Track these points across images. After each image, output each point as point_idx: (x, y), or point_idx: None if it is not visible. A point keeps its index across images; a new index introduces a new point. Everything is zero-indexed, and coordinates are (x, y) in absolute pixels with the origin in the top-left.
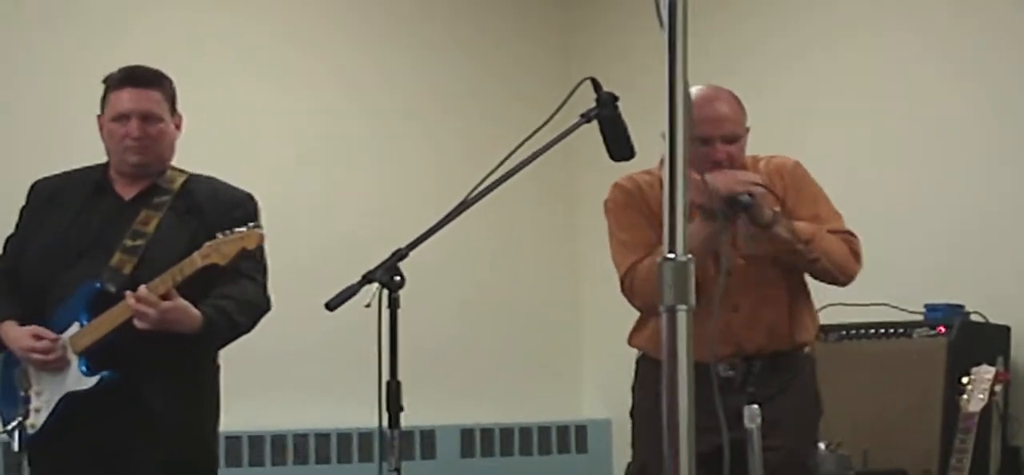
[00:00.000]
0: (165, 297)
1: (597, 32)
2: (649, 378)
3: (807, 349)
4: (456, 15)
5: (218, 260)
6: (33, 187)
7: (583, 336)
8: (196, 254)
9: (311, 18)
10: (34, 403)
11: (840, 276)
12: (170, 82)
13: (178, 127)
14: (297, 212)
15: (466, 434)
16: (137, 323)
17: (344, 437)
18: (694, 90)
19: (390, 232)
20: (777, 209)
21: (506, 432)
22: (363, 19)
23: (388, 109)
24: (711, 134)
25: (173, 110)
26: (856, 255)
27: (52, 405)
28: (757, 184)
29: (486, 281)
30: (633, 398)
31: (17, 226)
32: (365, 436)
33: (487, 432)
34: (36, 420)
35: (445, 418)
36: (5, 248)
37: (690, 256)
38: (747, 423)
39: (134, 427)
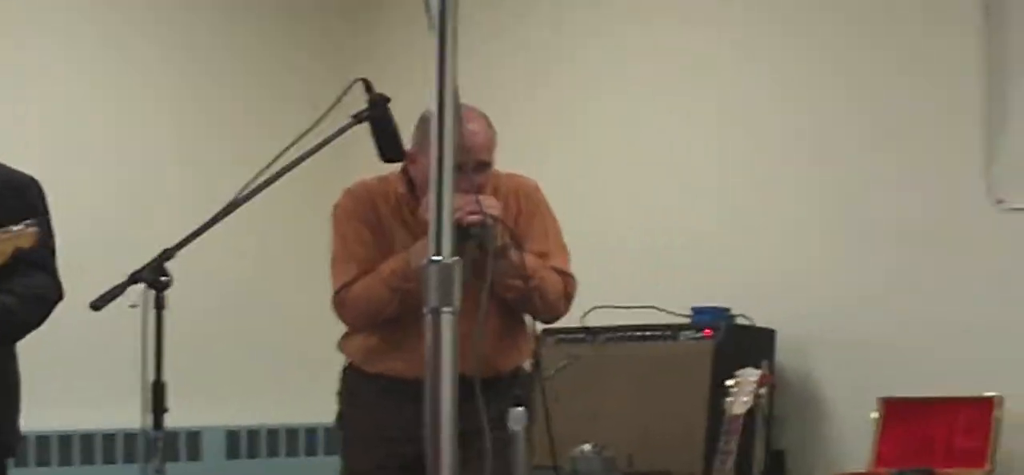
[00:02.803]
0: None
1: (371, 36)
2: (355, 388)
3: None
4: (222, 16)
5: None
6: None
7: None
8: None
9: (62, 11)
10: None
11: (544, 314)
12: None
13: None
14: (58, 210)
15: (232, 435)
16: None
17: (109, 438)
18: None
19: (155, 232)
20: (507, 240)
21: (272, 433)
22: (123, 19)
23: (150, 111)
24: (463, 161)
25: None
26: (568, 298)
27: None
28: (491, 216)
29: (254, 282)
30: (340, 406)
31: None
32: (130, 437)
33: (253, 433)
34: None
35: (211, 419)
36: None
37: (457, 258)
38: (512, 425)
39: None
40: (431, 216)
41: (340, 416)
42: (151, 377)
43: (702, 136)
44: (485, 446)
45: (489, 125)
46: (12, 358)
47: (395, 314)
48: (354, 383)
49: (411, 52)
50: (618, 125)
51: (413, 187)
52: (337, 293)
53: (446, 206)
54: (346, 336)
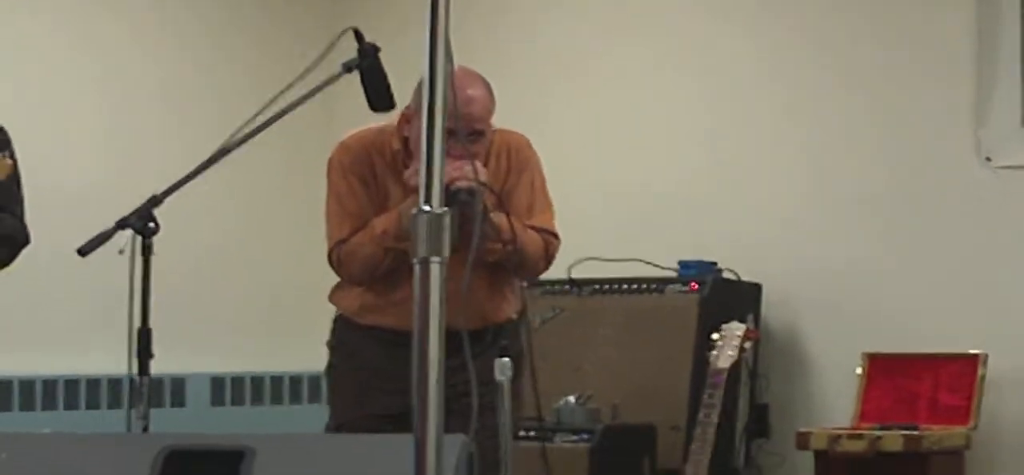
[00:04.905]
0: None
1: None
2: (344, 339)
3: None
4: None
5: None
6: None
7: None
8: None
9: None
10: None
11: (523, 273)
12: None
13: None
14: (46, 157)
15: (216, 382)
16: None
17: (93, 383)
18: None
19: (143, 179)
20: (490, 203)
21: (257, 381)
22: None
23: (138, 58)
24: (457, 128)
25: None
26: (549, 258)
27: None
28: (479, 182)
29: (241, 230)
30: (330, 357)
31: None
32: (115, 383)
33: (238, 380)
34: None
35: (195, 366)
36: None
37: (446, 209)
38: (497, 376)
39: None
40: (421, 166)
41: (330, 366)
42: (137, 323)
43: (690, 91)
44: (472, 396)
45: (490, 92)
46: None
47: (390, 269)
48: (344, 333)
49: (404, 1)
50: (607, 80)
51: (408, 145)
52: (332, 250)
53: (437, 158)
54: (338, 288)
